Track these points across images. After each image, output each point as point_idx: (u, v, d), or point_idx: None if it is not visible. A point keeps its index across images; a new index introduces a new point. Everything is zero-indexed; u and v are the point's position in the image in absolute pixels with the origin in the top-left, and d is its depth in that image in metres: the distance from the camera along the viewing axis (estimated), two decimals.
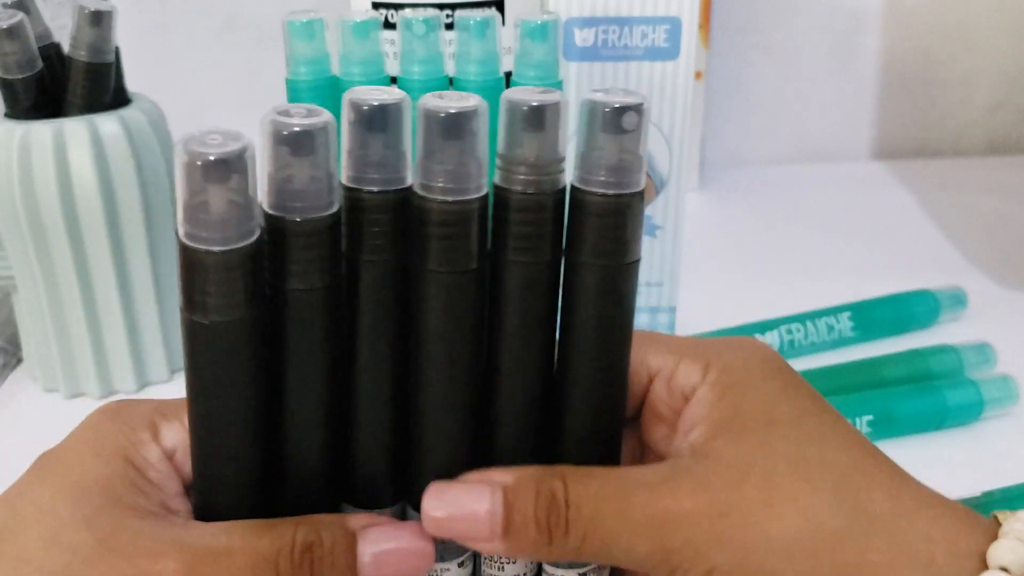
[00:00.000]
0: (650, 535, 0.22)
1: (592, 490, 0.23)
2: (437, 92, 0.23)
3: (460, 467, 0.26)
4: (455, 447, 0.26)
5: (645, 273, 0.47)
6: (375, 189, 0.23)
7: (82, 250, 0.43)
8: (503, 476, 0.24)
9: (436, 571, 0.27)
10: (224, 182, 0.21)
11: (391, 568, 0.24)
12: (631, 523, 0.23)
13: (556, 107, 0.23)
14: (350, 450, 0.26)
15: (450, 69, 0.37)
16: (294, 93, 0.36)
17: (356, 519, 0.25)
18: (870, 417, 0.41)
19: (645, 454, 0.28)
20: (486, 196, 0.23)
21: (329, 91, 0.36)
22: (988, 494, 0.35)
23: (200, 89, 0.74)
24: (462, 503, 0.24)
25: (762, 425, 0.24)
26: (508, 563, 0.27)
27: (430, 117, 0.23)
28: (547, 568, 0.28)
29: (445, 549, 0.27)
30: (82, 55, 0.43)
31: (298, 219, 0.22)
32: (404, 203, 0.23)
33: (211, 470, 0.24)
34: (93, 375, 0.45)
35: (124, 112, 0.44)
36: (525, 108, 0.23)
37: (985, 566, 0.22)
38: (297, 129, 0.21)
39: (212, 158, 0.20)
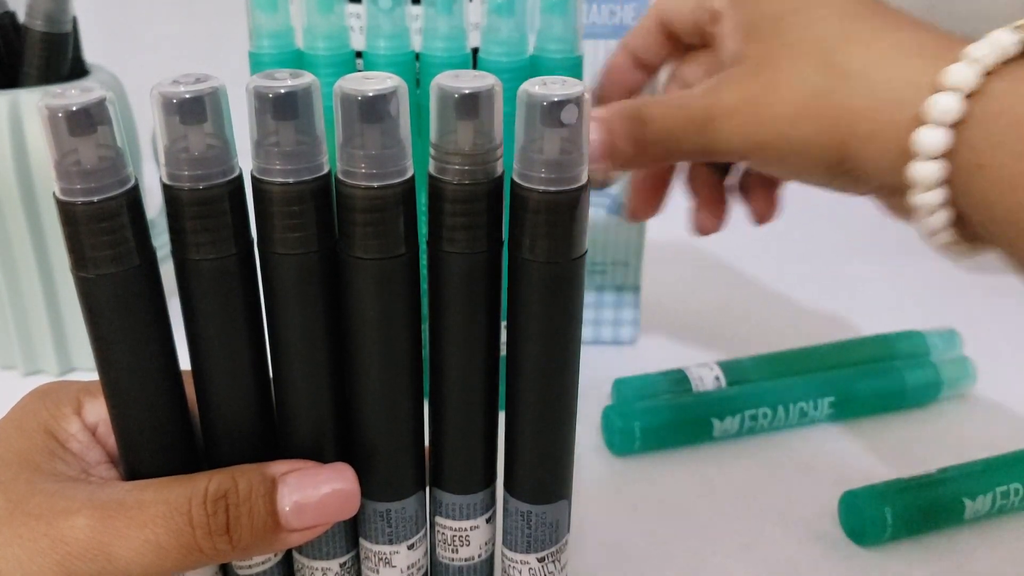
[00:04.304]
0: (704, 131, 0.31)
1: (662, 108, 0.31)
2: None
3: (403, 451, 0.26)
4: (396, 434, 0.26)
5: (611, 252, 0.47)
6: (290, 180, 0.22)
7: (39, 224, 0.42)
8: (598, 112, 0.32)
9: (318, 570, 0.28)
10: (87, 132, 0.21)
11: (313, 513, 0.24)
12: (692, 126, 0.31)
13: (490, 93, 0.22)
14: (292, 440, 0.26)
15: (416, 45, 0.36)
16: (257, 67, 0.36)
17: (277, 466, 0.25)
18: (832, 399, 0.42)
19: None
20: (411, 179, 0.23)
21: (293, 65, 0.35)
22: (943, 471, 0.36)
23: (160, 61, 0.73)
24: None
25: (770, 23, 0.30)
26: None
27: (348, 101, 0.22)
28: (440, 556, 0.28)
29: (326, 547, 0.27)
30: (38, 25, 0.42)
31: (200, 186, 0.22)
32: (323, 191, 0.23)
33: (126, 430, 0.25)
34: (51, 352, 0.45)
35: (82, 83, 0.43)
36: (457, 95, 0.22)
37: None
38: (188, 96, 0.21)
39: (74, 108, 0.20)
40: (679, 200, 0.39)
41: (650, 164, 0.34)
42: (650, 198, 0.38)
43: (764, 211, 0.38)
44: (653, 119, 0.31)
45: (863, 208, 0.69)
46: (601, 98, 0.38)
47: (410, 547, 0.27)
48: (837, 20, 0.30)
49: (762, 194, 0.38)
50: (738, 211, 0.40)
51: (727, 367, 0.44)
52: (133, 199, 0.22)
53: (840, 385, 0.42)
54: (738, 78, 0.31)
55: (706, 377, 0.43)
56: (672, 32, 0.36)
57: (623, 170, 0.33)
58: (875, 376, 0.43)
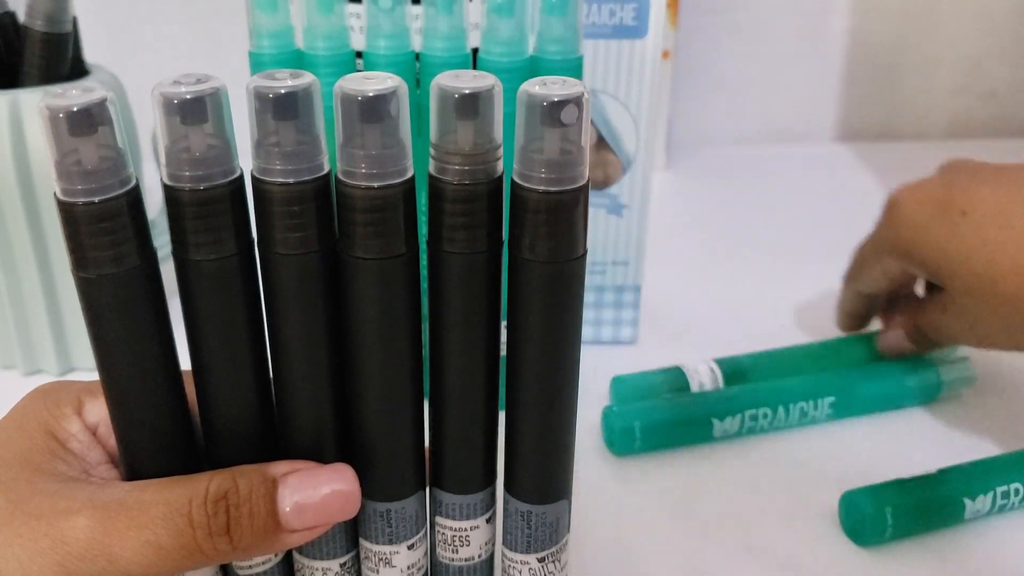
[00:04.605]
0: (933, 337, 0.42)
1: (927, 323, 0.42)
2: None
3: (403, 451, 0.26)
4: (396, 434, 0.26)
5: (611, 252, 0.47)
6: (290, 180, 0.22)
7: (39, 224, 0.42)
8: (901, 331, 0.44)
9: (318, 570, 0.28)
10: (87, 133, 0.21)
11: (313, 514, 0.24)
12: (946, 340, 0.42)
13: (490, 93, 0.22)
14: (292, 440, 0.26)
15: (416, 45, 0.36)
16: (257, 67, 0.36)
17: (277, 466, 0.25)
18: (832, 399, 0.42)
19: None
20: (411, 179, 0.23)
21: (293, 65, 0.35)
22: (943, 471, 0.36)
23: (160, 61, 0.73)
24: (895, 343, 0.44)
25: (946, 268, 0.39)
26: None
27: (348, 101, 0.21)
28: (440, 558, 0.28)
29: (326, 547, 0.27)
30: (38, 25, 0.42)
31: (201, 187, 0.22)
32: (323, 191, 0.23)
33: (126, 431, 0.25)
34: (51, 352, 0.45)
35: (83, 84, 0.43)
36: (457, 95, 0.22)
37: None
38: (189, 97, 0.21)
39: (75, 109, 0.20)
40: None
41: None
42: None
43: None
44: (927, 331, 0.42)
45: (854, 210, 0.69)
46: (846, 330, 0.48)
47: (410, 547, 0.27)
48: (987, 253, 0.36)
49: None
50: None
51: (724, 364, 0.44)
52: (134, 199, 0.22)
53: (840, 385, 0.42)
54: (947, 310, 0.40)
55: (703, 373, 0.43)
56: (872, 297, 0.46)
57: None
58: (875, 377, 0.43)
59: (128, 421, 0.24)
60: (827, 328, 0.51)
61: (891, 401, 0.43)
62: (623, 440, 0.40)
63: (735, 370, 0.44)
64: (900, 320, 0.44)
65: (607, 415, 0.41)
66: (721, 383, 0.43)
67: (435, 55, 0.35)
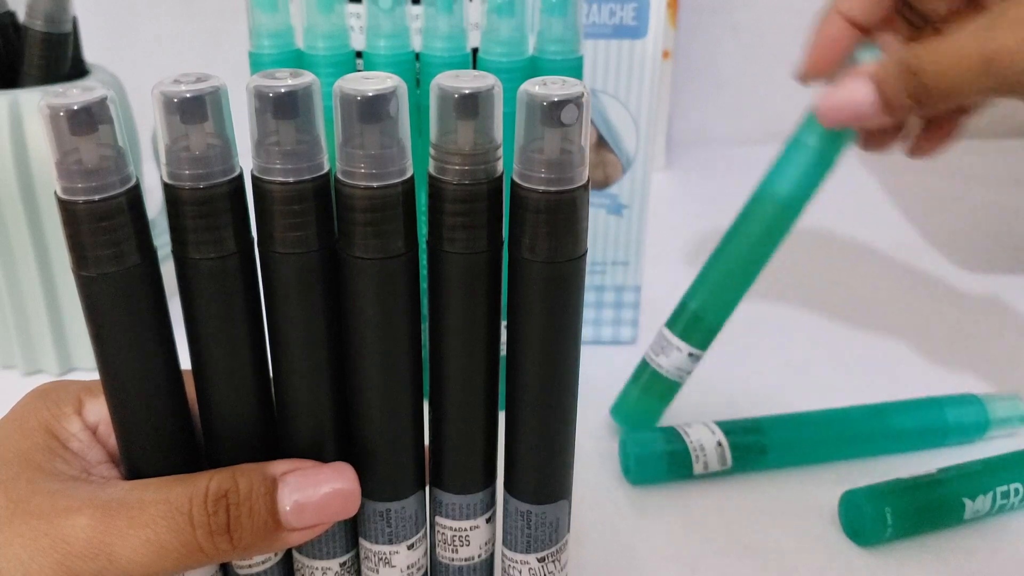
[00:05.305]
0: (988, 73, 0.29)
1: (933, 55, 0.30)
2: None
3: (403, 451, 0.26)
4: (396, 434, 0.26)
5: (611, 252, 0.47)
6: (290, 179, 0.22)
7: (39, 224, 0.42)
8: (869, 69, 0.32)
9: (318, 569, 0.28)
10: (88, 131, 0.21)
11: (313, 513, 0.24)
12: (971, 70, 0.30)
13: (490, 93, 0.22)
14: (292, 440, 0.26)
15: (416, 45, 0.36)
16: (257, 67, 0.36)
17: (277, 465, 0.25)
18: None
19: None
20: (411, 179, 0.23)
21: (293, 65, 0.35)
22: (943, 471, 0.36)
23: (160, 61, 0.73)
24: (846, 96, 0.33)
25: None
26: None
27: (347, 101, 0.22)
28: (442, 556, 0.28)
29: (326, 547, 0.27)
30: (38, 24, 0.42)
31: (201, 186, 0.22)
32: (323, 190, 0.23)
33: (126, 430, 0.25)
34: (51, 352, 0.45)
35: (83, 83, 0.43)
36: (457, 95, 0.22)
37: None
38: (188, 95, 0.21)
39: (75, 108, 0.21)
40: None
41: (930, 112, 0.33)
42: (942, 139, 0.38)
43: (939, 144, 0.38)
44: (925, 70, 0.31)
45: (853, 210, 0.69)
46: (813, 68, 0.38)
47: (410, 547, 0.27)
48: None
49: (947, 127, 0.37)
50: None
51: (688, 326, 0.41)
52: (134, 198, 0.22)
53: (878, 418, 0.40)
54: (1015, 15, 0.30)
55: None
56: (860, 20, 0.35)
57: (902, 119, 0.34)
58: (914, 410, 0.41)
59: (128, 420, 0.24)
60: (824, 328, 0.51)
61: (932, 438, 0.40)
62: (639, 470, 0.38)
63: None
64: (882, 58, 0.33)
65: (624, 443, 0.39)
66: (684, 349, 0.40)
67: (435, 55, 0.35)
